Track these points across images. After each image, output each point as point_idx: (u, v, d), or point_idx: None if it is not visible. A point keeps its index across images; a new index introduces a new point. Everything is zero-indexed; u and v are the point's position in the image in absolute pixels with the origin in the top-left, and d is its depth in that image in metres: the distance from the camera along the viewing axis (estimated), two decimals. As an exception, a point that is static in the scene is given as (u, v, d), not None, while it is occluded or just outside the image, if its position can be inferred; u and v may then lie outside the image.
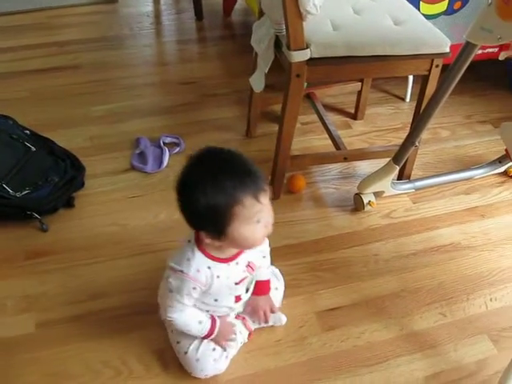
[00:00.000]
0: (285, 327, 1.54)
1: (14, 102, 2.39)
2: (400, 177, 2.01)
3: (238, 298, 1.39)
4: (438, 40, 1.69)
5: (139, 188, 1.99)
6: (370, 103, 2.41)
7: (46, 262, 1.72)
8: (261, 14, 1.87)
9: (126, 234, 1.81)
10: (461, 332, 1.55)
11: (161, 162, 2.06)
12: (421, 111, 1.73)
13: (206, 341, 1.39)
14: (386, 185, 1.89)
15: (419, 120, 1.71)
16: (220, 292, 1.33)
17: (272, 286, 1.54)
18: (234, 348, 1.43)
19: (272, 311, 1.49)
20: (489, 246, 1.81)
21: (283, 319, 1.52)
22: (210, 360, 1.38)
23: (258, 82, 1.90)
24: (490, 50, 2.30)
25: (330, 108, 2.42)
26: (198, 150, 1.21)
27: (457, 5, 2.22)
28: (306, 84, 1.71)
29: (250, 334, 1.48)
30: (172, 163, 2.08)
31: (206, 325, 1.36)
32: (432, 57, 1.69)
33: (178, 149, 2.14)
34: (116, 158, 2.13)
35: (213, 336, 1.38)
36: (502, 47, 2.16)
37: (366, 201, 1.88)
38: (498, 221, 1.91)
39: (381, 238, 1.83)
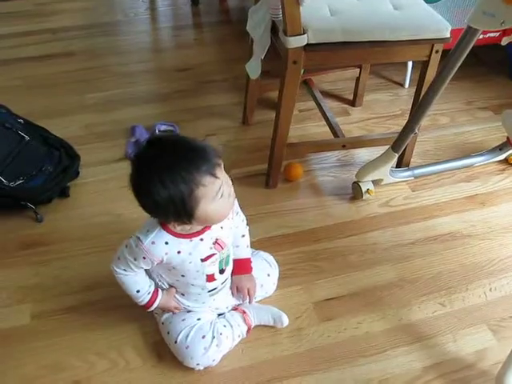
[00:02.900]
0: (282, 318, 1.53)
1: (7, 91, 2.37)
2: (399, 164, 1.98)
3: (210, 278, 1.36)
4: (439, 25, 1.66)
5: (134, 177, 1.96)
6: (369, 89, 2.38)
7: (41, 252, 1.71)
8: (257, -1, 1.85)
9: (122, 223, 1.79)
10: (460, 322, 1.53)
11: (156, 151, 2.03)
12: (420, 98, 1.71)
13: (195, 328, 1.38)
14: (385, 173, 1.87)
15: (419, 107, 1.69)
16: (185, 268, 1.32)
17: (264, 272, 1.54)
18: (229, 340, 1.42)
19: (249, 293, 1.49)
20: (489, 234, 1.79)
21: (285, 321, 1.49)
22: (200, 348, 1.36)
23: (254, 68, 1.87)
24: (492, 34, 2.27)
25: (328, 95, 2.40)
26: (141, 147, 1.18)
27: (457, -11, 2.19)
28: (303, 70, 1.68)
29: (248, 330, 1.46)
30: (168, 151, 2.06)
31: (144, 297, 1.38)
32: (432, 42, 1.66)
33: (173, 137, 2.11)
34: (111, 146, 2.11)
35: (150, 309, 1.41)
36: (504, 32, 2.12)
37: (364, 189, 1.86)
38: (498, 209, 1.89)
39: (379, 226, 1.81)
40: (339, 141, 1.97)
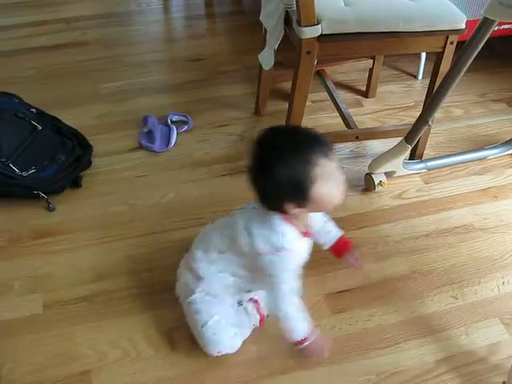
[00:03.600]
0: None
1: (21, 80, 2.37)
2: (412, 156, 1.97)
3: None
4: (454, 16, 1.64)
5: (147, 167, 1.97)
6: (382, 81, 2.37)
7: (53, 242, 1.71)
8: (270, -12, 1.83)
9: (134, 213, 1.80)
10: (472, 315, 1.53)
11: (169, 141, 2.04)
12: (434, 89, 1.69)
13: (227, 315, 1.39)
14: (398, 165, 1.85)
15: (433, 98, 1.67)
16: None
17: None
18: (247, 329, 1.42)
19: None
20: (501, 228, 1.78)
21: None
22: (228, 336, 1.37)
23: (267, 58, 1.86)
24: (507, 26, 2.25)
25: (341, 85, 2.38)
26: (262, 132, 1.25)
27: (470, -20, 2.16)
28: (316, 61, 1.67)
29: (261, 320, 1.46)
30: (180, 142, 2.07)
31: (306, 326, 1.31)
32: (447, 33, 1.65)
33: (185, 127, 2.12)
34: (124, 136, 2.11)
35: (309, 342, 1.31)
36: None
37: (376, 181, 1.85)
38: (511, 202, 1.87)
39: (392, 218, 1.80)
40: (352, 132, 1.96)
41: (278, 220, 1.27)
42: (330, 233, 1.49)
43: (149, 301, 1.52)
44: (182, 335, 1.45)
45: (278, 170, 1.18)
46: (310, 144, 1.21)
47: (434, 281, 1.61)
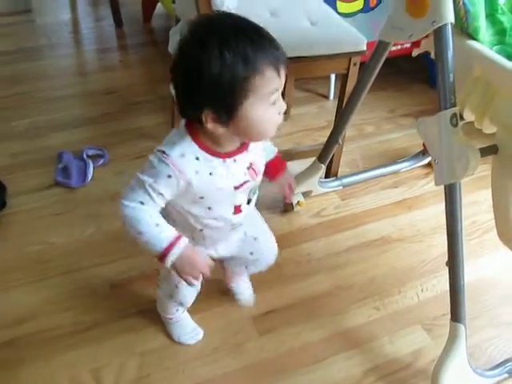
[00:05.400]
0: (221, 334, 1.52)
1: None
2: (327, 175, 2.02)
3: (237, 210, 1.18)
4: (354, 39, 1.71)
5: (64, 204, 1.93)
6: (295, 103, 2.42)
7: (-30, 287, 1.65)
8: (177, 20, 1.85)
9: (53, 252, 1.76)
10: (395, 324, 1.57)
11: (85, 176, 2.01)
12: (342, 109, 1.75)
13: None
14: (314, 184, 1.90)
15: (340, 118, 1.73)
16: (215, 197, 1.12)
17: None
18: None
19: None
20: (418, 237, 1.85)
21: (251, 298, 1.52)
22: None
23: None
24: (407, 45, 2.36)
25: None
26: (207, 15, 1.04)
27: (372, 2, 2.27)
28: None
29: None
30: (97, 176, 2.04)
31: (166, 233, 1.08)
32: (349, 55, 1.71)
33: (102, 161, 2.10)
34: (39, 174, 2.06)
35: (170, 255, 1.08)
36: (414, 44, 2.21)
37: (294, 201, 1.88)
38: (425, 212, 1.95)
39: (312, 237, 1.84)
40: (268, 155, 1.99)
41: (181, 131, 1.07)
42: (267, 148, 1.28)
43: (72, 340, 1.49)
44: (108, 373, 1.42)
45: (208, 61, 0.92)
46: (262, 44, 0.95)
47: (356, 294, 1.65)
